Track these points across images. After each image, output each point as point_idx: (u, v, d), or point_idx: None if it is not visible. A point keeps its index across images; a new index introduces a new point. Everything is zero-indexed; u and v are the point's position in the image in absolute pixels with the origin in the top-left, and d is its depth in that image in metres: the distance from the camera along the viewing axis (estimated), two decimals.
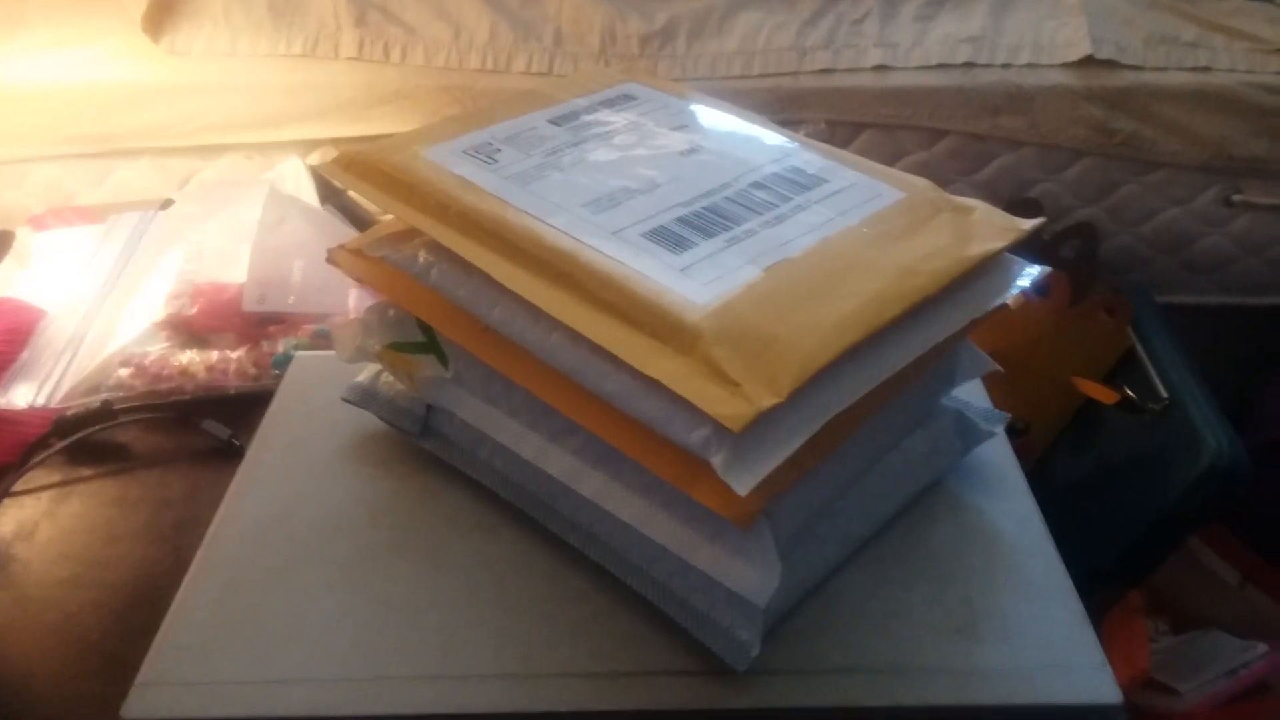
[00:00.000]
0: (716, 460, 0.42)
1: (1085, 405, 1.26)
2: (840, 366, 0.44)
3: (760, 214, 0.50)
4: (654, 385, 0.43)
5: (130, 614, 0.58)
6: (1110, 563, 1.12)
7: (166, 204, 1.05)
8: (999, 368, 0.57)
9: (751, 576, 0.45)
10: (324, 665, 0.49)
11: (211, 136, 1.21)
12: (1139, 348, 1.22)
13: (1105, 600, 1.13)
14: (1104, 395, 1.20)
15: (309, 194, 1.09)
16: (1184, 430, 1.11)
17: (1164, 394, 1.15)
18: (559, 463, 0.52)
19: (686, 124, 0.58)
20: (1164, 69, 1.20)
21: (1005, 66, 1.21)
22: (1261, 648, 1.16)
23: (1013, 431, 0.62)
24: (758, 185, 0.52)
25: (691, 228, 0.49)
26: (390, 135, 0.56)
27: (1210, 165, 1.23)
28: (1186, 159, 1.23)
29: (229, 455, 0.69)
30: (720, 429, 0.41)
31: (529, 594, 0.52)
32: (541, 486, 0.54)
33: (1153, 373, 1.19)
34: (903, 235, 0.50)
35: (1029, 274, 0.51)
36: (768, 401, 0.41)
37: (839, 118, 1.22)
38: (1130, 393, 1.19)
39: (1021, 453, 0.61)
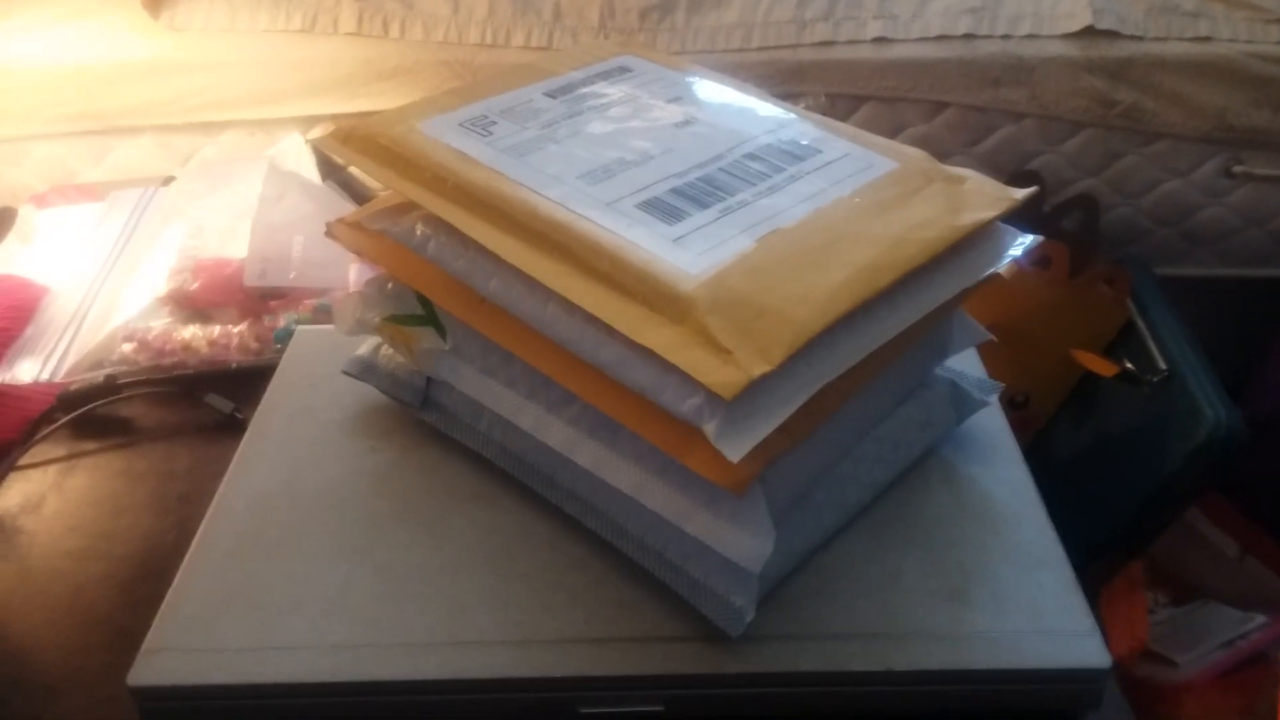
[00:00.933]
0: (709, 428, 0.42)
1: (1085, 377, 1.26)
2: (832, 335, 0.44)
3: (753, 184, 0.50)
4: (648, 354, 0.43)
5: (136, 585, 0.59)
6: (1110, 534, 1.12)
7: (168, 181, 1.05)
8: (992, 337, 0.58)
9: (745, 543, 0.45)
10: (326, 632, 0.49)
11: (212, 113, 1.21)
12: (1138, 319, 1.22)
13: (1105, 571, 1.14)
14: (1103, 367, 1.21)
15: (310, 170, 1.09)
16: (1183, 401, 1.11)
17: (1163, 366, 1.15)
18: (556, 433, 0.52)
19: (681, 96, 0.58)
20: (1164, 39, 1.20)
21: (1005, 38, 1.21)
22: (1260, 619, 1.16)
23: (1013, 404, 0.62)
24: (751, 156, 0.53)
25: (685, 198, 0.49)
26: (387, 110, 0.56)
27: (1211, 136, 1.23)
28: (1187, 130, 1.22)
29: (232, 429, 0.70)
30: (713, 397, 0.42)
31: (528, 562, 0.53)
32: (539, 457, 0.54)
33: (1152, 344, 1.19)
34: (895, 205, 0.50)
35: (1021, 243, 0.52)
36: (759, 369, 0.41)
37: (839, 90, 1.21)
38: (1129, 365, 1.19)
39: (1022, 425, 0.62)
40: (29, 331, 0.81)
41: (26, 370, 0.77)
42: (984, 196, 0.52)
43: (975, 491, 0.57)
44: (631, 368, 0.45)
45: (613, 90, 0.59)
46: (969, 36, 1.21)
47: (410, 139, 0.53)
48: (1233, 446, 1.05)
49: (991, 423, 0.61)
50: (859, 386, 0.49)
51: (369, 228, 0.55)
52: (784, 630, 0.49)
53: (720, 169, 0.52)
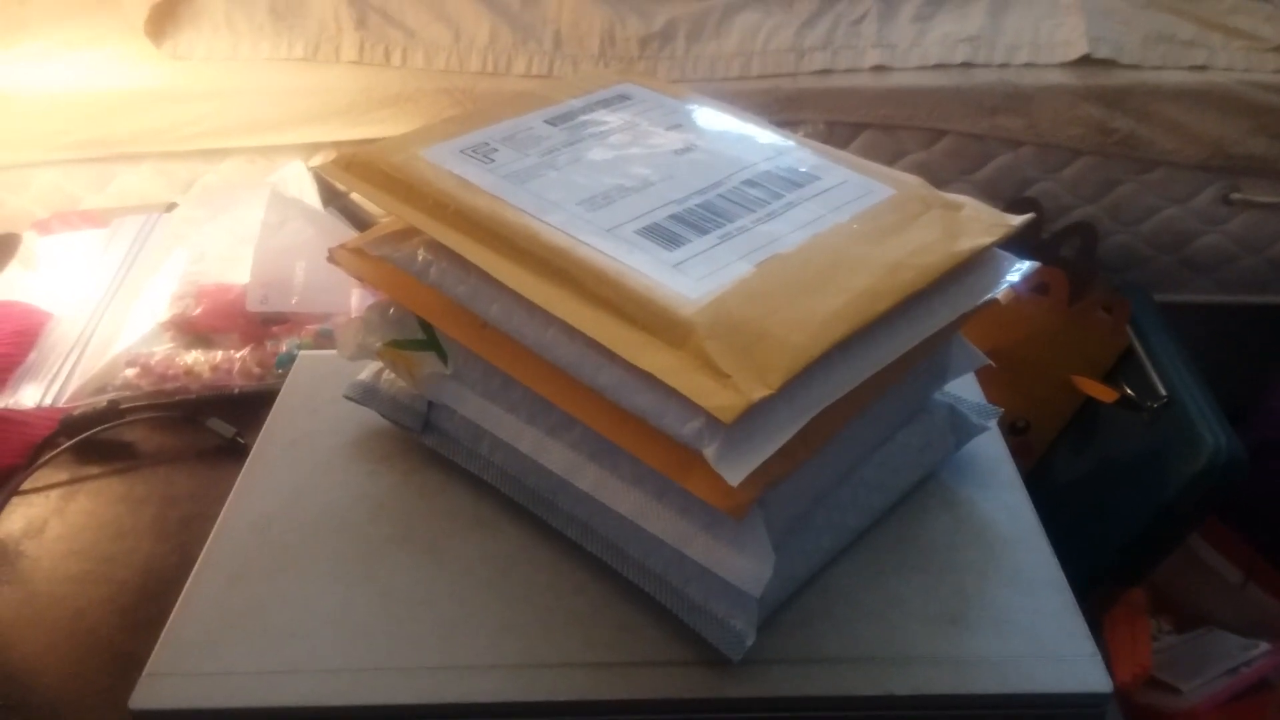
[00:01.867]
0: (709, 451, 0.42)
1: (1085, 404, 1.27)
2: (830, 360, 0.45)
3: (753, 211, 0.51)
4: (648, 378, 0.44)
5: (137, 609, 0.59)
6: (1112, 560, 1.12)
7: (170, 208, 1.06)
8: (991, 362, 0.58)
9: (745, 566, 0.46)
10: (327, 656, 0.49)
11: (214, 140, 1.22)
12: (1138, 346, 1.23)
13: (1107, 599, 1.14)
14: (1103, 394, 1.21)
15: (311, 197, 1.10)
16: (1183, 428, 1.11)
17: (1163, 392, 1.16)
18: (557, 457, 0.52)
19: (681, 123, 0.59)
20: (1161, 68, 1.21)
21: (1003, 66, 1.22)
22: (1263, 646, 1.16)
23: (1013, 430, 0.62)
24: (750, 183, 0.53)
25: (685, 224, 0.49)
26: (389, 137, 0.57)
27: (1208, 164, 1.23)
28: (1185, 157, 1.23)
29: (234, 453, 0.70)
30: (712, 421, 0.42)
31: (528, 586, 0.53)
32: (540, 481, 0.55)
33: (1151, 371, 1.19)
34: (892, 231, 0.51)
35: (1018, 269, 0.52)
36: (759, 393, 0.41)
37: (838, 118, 1.22)
38: (1129, 391, 1.20)
39: (1022, 452, 0.62)
40: (32, 357, 0.81)
41: (29, 395, 0.77)
42: (981, 223, 0.52)
43: (975, 516, 0.57)
44: (631, 392, 0.45)
45: (613, 118, 0.59)
46: (967, 65, 1.22)
47: (412, 166, 0.53)
48: (1233, 472, 1.05)
49: (991, 448, 0.62)
50: (858, 411, 0.49)
51: (371, 253, 0.56)
52: (785, 654, 0.49)
53: (719, 195, 0.52)
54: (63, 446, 0.70)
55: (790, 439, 0.43)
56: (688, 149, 0.56)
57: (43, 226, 1.08)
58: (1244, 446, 1.06)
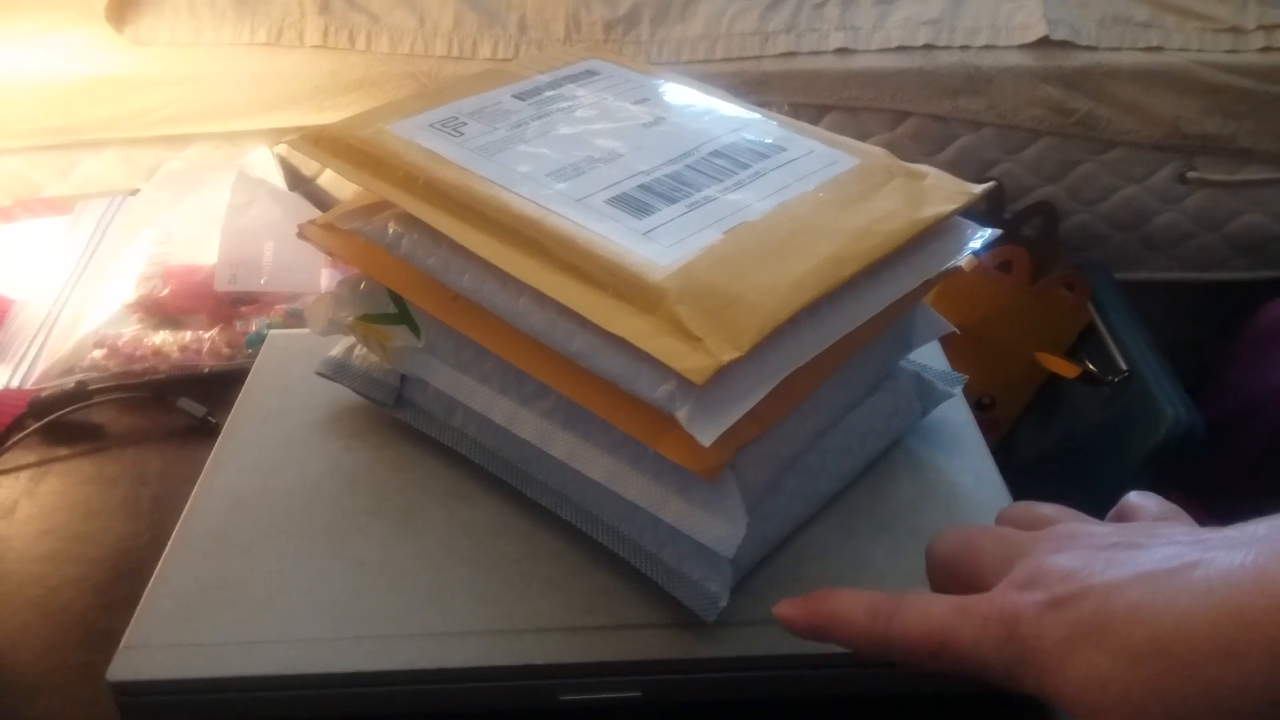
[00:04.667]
0: (681, 413, 0.43)
1: (1049, 380, 1.29)
2: (799, 323, 0.45)
3: (720, 180, 0.52)
4: (619, 344, 0.44)
5: (111, 586, 0.59)
6: None
7: (134, 194, 1.05)
8: (955, 329, 0.59)
9: (718, 528, 0.46)
10: (303, 626, 0.50)
11: (178, 126, 1.21)
12: (1099, 322, 1.25)
13: None
14: (1066, 369, 1.23)
15: (277, 182, 1.09)
16: (1143, 401, 1.14)
17: (1123, 366, 1.18)
18: (530, 426, 0.53)
19: (649, 98, 0.60)
20: (1118, 49, 1.23)
21: (964, 48, 1.23)
22: None
23: (979, 407, 0.64)
24: (718, 154, 0.54)
25: (654, 194, 0.50)
26: (358, 113, 0.57)
27: (1164, 143, 1.26)
28: (1141, 137, 1.25)
29: (204, 433, 0.70)
30: (684, 383, 0.43)
31: (504, 554, 0.53)
32: (514, 451, 0.55)
33: (1112, 346, 1.22)
34: (858, 199, 0.51)
35: (980, 236, 0.53)
36: (729, 355, 0.42)
37: (803, 100, 1.24)
38: (1091, 366, 1.22)
39: (988, 428, 0.63)
40: None
41: None
42: (944, 191, 0.53)
43: (941, 480, 0.58)
44: (604, 357, 0.46)
45: (581, 92, 0.60)
46: (928, 47, 1.23)
47: (381, 140, 0.54)
48: (1192, 443, 1.08)
49: (956, 415, 0.63)
50: (826, 375, 0.50)
51: (341, 228, 0.56)
52: (758, 615, 0.50)
53: (688, 166, 0.53)
54: (31, 428, 0.70)
55: (761, 401, 0.44)
56: (656, 122, 0.57)
57: (5, 214, 1.07)
58: (1204, 421, 1.08)
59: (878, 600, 0.37)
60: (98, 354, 0.76)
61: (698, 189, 0.51)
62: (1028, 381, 1.30)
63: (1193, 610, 0.28)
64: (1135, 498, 0.39)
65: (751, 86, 1.22)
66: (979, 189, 0.54)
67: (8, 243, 1.01)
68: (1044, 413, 1.29)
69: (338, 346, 0.63)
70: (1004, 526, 0.39)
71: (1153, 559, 0.31)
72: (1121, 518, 0.38)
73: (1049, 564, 0.33)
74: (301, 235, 0.58)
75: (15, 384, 0.76)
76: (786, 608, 0.40)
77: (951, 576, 0.38)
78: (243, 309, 0.81)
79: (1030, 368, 1.26)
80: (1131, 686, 0.29)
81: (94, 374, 0.76)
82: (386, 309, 0.58)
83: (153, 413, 0.72)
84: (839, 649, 0.48)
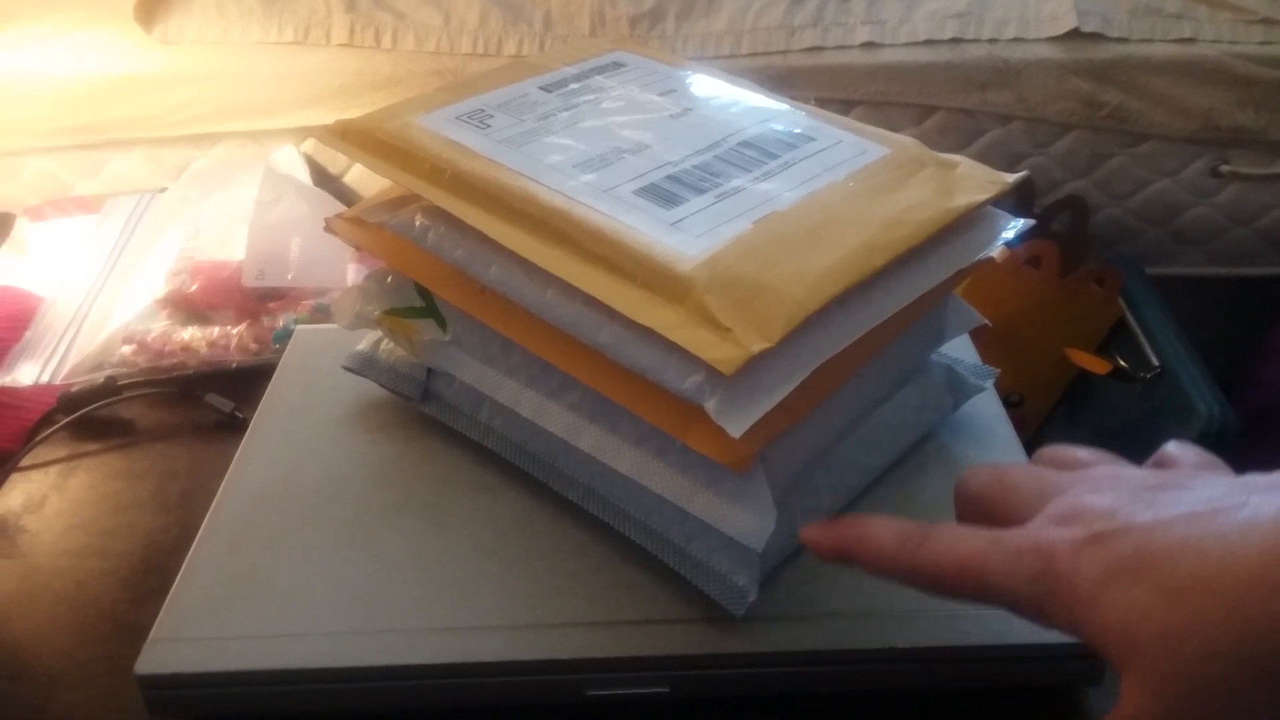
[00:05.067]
0: (710, 404, 0.43)
1: (1079, 376, 1.28)
2: (829, 314, 0.45)
3: (749, 171, 0.51)
4: (648, 334, 0.44)
5: (139, 580, 0.59)
6: None
7: (162, 192, 1.06)
8: (987, 322, 0.59)
9: (748, 521, 0.46)
10: (330, 619, 0.50)
11: (205, 125, 1.22)
12: (1129, 318, 1.24)
13: None
14: (1096, 365, 1.22)
15: (304, 179, 1.10)
16: (1175, 397, 1.12)
17: (1155, 362, 1.16)
18: (557, 419, 0.53)
19: (675, 89, 0.59)
20: (1149, 40, 1.21)
21: (992, 41, 1.22)
22: None
23: (1008, 404, 0.63)
24: (746, 144, 0.53)
25: (682, 185, 0.50)
26: (384, 107, 0.57)
27: (1197, 136, 1.24)
28: (1173, 130, 1.24)
29: (232, 428, 0.70)
30: (713, 374, 0.42)
31: (531, 549, 0.53)
32: (541, 444, 0.55)
33: (1144, 342, 1.20)
34: (888, 189, 0.51)
35: (1013, 226, 0.53)
36: (758, 346, 0.42)
37: (829, 95, 1.23)
38: (1122, 362, 1.21)
39: (1017, 425, 0.62)
40: (28, 336, 0.81)
41: (26, 373, 0.77)
42: (975, 180, 0.52)
43: None
44: (632, 348, 0.45)
45: (608, 83, 0.59)
46: (956, 41, 1.22)
47: (408, 132, 0.53)
48: (1226, 440, 1.06)
49: (987, 409, 0.62)
50: (857, 367, 0.49)
51: (368, 221, 0.56)
52: (787, 610, 0.49)
53: (716, 156, 0.52)
54: (60, 423, 0.70)
55: (790, 393, 0.44)
56: (683, 113, 0.56)
57: (35, 213, 1.08)
58: (1237, 416, 1.07)
59: (908, 527, 0.37)
60: (127, 350, 0.77)
61: (726, 179, 0.50)
62: (1057, 378, 1.28)
63: (1237, 547, 0.28)
64: (1173, 447, 0.38)
65: (777, 81, 1.21)
66: (1012, 178, 0.53)
67: (38, 241, 1.02)
68: (1074, 410, 1.27)
69: (364, 341, 0.63)
70: (1039, 466, 0.39)
71: (1197, 498, 0.31)
72: (1161, 466, 0.37)
73: (1088, 501, 0.33)
74: (329, 229, 0.58)
75: (45, 379, 0.76)
76: (813, 530, 0.39)
77: (983, 512, 0.37)
78: (270, 304, 0.81)
79: (1060, 364, 1.25)
80: (1170, 621, 0.28)
81: (123, 369, 0.76)
82: (413, 303, 0.58)
83: (181, 408, 0.73)
84: (867, 644, 0.48)
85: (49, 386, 0.76)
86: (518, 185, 0.49)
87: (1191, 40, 1.21)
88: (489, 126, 0.54)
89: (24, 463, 0.68)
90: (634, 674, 0.49)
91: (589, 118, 0.55)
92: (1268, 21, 1.22)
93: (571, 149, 0.52)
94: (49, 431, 0.70)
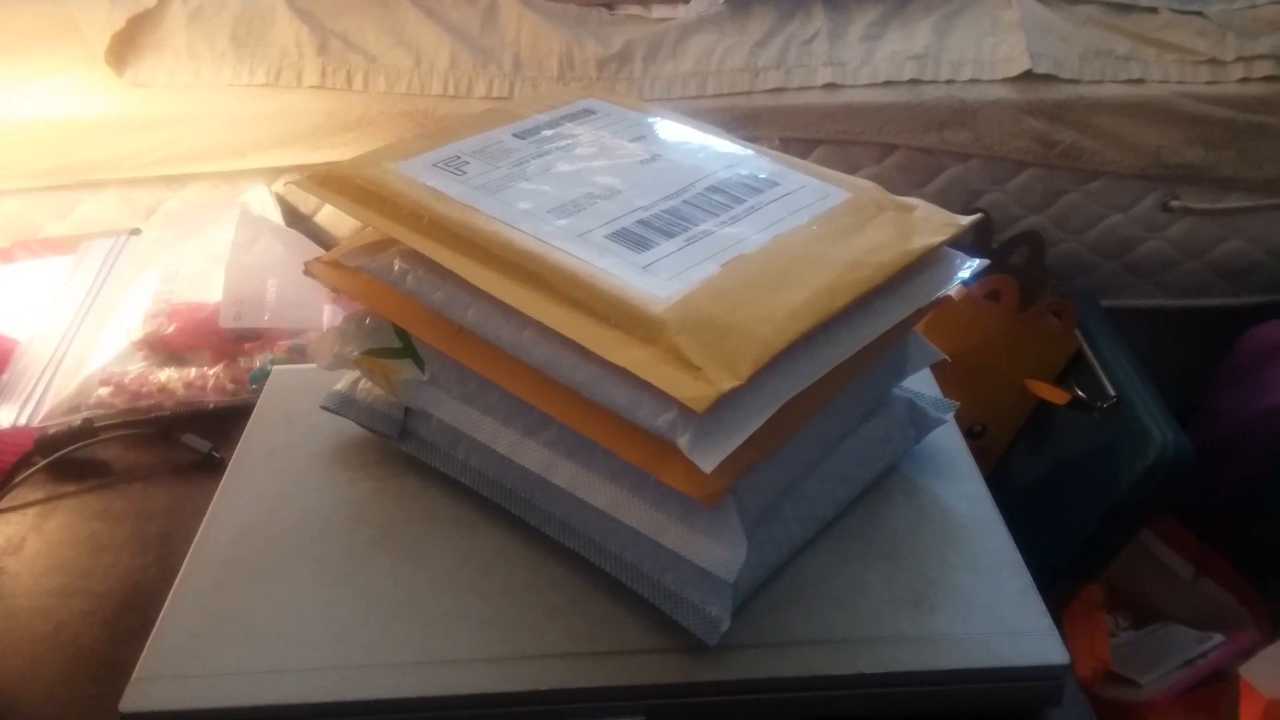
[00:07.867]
0: (683, 441, 0.44)
1: (1039, 407, 1.30)
2: (795, 353, 0.47)
3: (716, 215, 0.53)
4: (621, 374, 0.46)
5: (119, 620, 0.60)
6: (1069, 558, 1.15)
7: (134, 233, 1.06)
8: (946, 357, 0.61)
9: (720, 553, 0.48)
10: (312, 655, 0.51)
11: (177, 166, 1.22)
12: (1086, 349, 1.26)
13: (1064, 595, 1.17)
14: (1055, 396, 1.24)
15: (278, 220, 1.11)
16: (1132, 426, 1.15)
17: (1112, 392, 1.19)
18: (533, 456, 0.54)
19: (645, 135, 0.61)
20: (1100, 81, 1.25)
21: (949, 83, 1.25)
22: (1218, 638, 1.19)
23: (970, 434, 0.65)
24: (713, 189, 0.56)
25: (652, 229, 0.52)
26: (361, 154, 0.59)
27: (1147, 173, 1.28)
28: (1124, 167, 1.27)
29: (209, 468, 0.71)
30: (685, 411, 0.44)
31: (508, 583, 0.54)
32: (517, 481, 0.56)
33: (1100, 373, 1.23)
34: (849, 232, 0.53)
35: (969, 266, 0.55)
36: (728, 384, 0.43)
37: (792, 134, 1.25)
38: (1080, 393, 1.23)
39: (980, 455, 0.64)
40: (4, 378, 0.82)
41: (3, 416, 0.77)
42: (932, 223, 0.55)
43: (936, 505, 0.60)
44: (606, 387, 0.47)
45: (579, 130, 0.61)
46: (914, 82, 1.25)
47: (386, 179, 0.55)
48: (1181, 467, 1.09)
49: (949, 441, 0.64)
50: (822, 402, 0.51)
51: (347, 265, 0.57)
52: (758, 638, 0.51)
53: (684, 201, 0.54)
54: (38, 465, 0.71)
55: (759, 428, 0.45)
56: (652, 159, 0.58)
57: (4, 255, 1.08)
58: (1192, 445, 1.09)
59: None
60: (104, 391, 0.77)
61: (695, 223, 0.52)
62: (1018, 409, 1.31)
63: None
64: None
65: (742, 122, 1.24)
66: (967, 220, 0.55)
67: (9, 283, 1.02)
68: (1035, 440, 1.30)
69: (342, 380, 0.64)
70: None
71: None
72: None
73: None
74: (308, 272, 0.60)
75: (22, 422, 0.77)
76: None
77: None
78: (247, 345, 0.82)
79: (1020, 395, 1.28)
80: None
81: (100, 411, 0.77)
82: (391, 344, 0.59)
83: (158, 449, 0.73)
84: (836, 670, 0.49)
85: (26, 429, 0.76)
86: (494, 230, 0.51)
87: (1141, 81, 1.25)
88: (465, 173, 0.56)
89: (2, 505, 0.69)
90: (611, 703, 0.50)
91: (561, 164, 0.57)
92: (1214, 62, 1.26)
93: (545, 194, 0.54)
94: (26, 473, 0.70)
